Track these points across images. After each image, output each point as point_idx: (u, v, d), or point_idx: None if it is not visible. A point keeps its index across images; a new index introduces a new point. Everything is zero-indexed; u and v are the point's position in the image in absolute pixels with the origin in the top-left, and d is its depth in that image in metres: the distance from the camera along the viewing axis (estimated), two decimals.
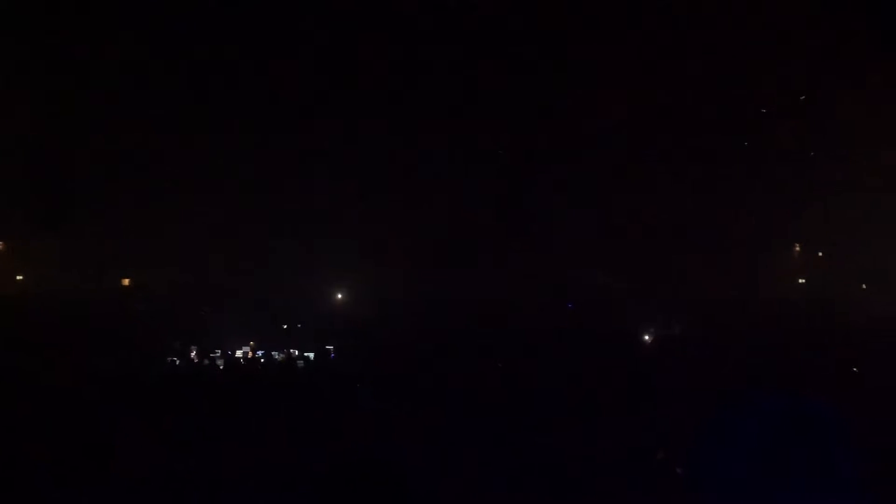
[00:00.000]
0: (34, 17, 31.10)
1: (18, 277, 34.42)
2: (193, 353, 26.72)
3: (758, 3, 32.25)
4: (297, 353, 28.13)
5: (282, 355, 27.77)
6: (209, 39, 31.47)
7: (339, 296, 34.92)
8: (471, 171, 34.88)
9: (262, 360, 27.76)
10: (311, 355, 27.89)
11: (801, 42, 32.10)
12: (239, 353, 28.11)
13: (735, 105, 34.81)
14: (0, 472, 12.16)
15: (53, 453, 13.41)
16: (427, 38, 31.79)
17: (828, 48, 32.08)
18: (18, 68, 31.21)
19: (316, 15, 31.44)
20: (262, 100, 33.74)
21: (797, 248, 38.14)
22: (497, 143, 34.79)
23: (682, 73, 33.44)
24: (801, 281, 37.62)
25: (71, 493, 11.56)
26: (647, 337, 30.55)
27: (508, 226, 34.22)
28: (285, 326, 30.19)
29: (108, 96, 32.76)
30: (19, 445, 13.67)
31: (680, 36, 32.54)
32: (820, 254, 37.92)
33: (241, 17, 31.54)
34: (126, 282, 34.37)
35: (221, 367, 26.61)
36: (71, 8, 31.26)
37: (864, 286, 36.09)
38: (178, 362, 26.21)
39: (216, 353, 27.83)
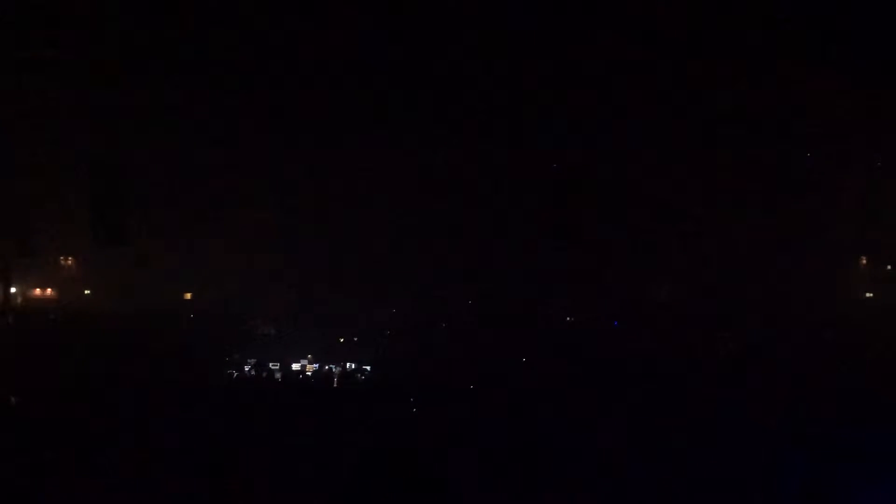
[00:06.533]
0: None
1: (87, 292, 35.67)
2: (250, 367, 27.14)
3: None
4: (353, 366, 28.38)
5: (338, 369, 28.06)
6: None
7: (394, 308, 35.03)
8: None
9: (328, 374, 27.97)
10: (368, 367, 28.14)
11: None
12: (296, 367, 28.45)
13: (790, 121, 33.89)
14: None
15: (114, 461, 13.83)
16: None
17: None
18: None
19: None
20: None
21: (864, 262, 37.19)
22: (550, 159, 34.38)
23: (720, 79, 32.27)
24: (868, 295, 36.69)
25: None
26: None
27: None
28: (342, 340, 30.56)
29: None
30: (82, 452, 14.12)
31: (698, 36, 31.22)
32: (889, 267, 36.94)
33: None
34: (188, 296, 35.26)
35: (280, 380, 26.96)
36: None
37: None
38: (235, 375, 26.69)
39: (276, 365, 28.20)
